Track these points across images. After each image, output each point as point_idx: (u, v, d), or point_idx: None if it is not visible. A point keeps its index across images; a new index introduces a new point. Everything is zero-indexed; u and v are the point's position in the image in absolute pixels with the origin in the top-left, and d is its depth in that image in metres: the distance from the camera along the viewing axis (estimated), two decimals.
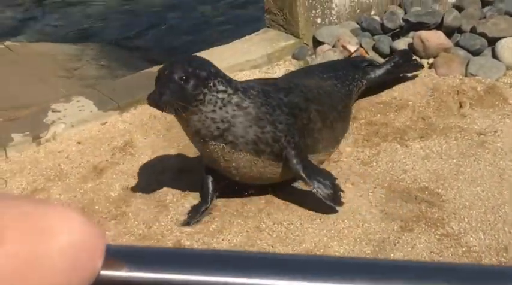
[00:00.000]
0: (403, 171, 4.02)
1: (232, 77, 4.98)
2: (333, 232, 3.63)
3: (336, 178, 3.78)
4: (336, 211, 3.69)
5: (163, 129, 4.61)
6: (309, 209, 3.80)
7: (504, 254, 3.37)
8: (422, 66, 4.82)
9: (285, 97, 3.92)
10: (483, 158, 4.05)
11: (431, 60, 4.93)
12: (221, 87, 3.67)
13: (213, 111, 3.64)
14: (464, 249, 3.43)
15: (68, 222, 0.68)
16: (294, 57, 5.20)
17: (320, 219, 3.72)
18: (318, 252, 3.49)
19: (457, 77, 4.79)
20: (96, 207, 3.95)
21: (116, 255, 0.74)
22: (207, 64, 3.81)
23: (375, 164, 4.11)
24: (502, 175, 3.90)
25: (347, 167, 4.11)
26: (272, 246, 3.56)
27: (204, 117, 3.64)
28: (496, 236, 3.49)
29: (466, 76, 4.80)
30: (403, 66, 4.78)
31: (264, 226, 3.71)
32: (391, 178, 3.97)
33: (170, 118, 4.70)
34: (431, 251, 3.44)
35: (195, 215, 3.85)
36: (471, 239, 3.49)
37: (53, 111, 4.69)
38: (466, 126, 4.34)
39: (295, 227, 3.69)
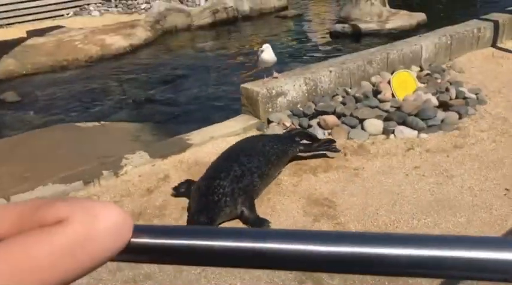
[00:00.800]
0: (315, 189, 4.04)
1: (222, 141, 5.08)
2: (277, 223, 3.61)
3: (266, 221, 3.55)
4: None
5: (186, 168, 4.62)
6: (263, 209, 3.81)
7: None
8: (339, 150, 4.46)
9: (242, 183, 3.62)
10: (357, 182, 4.10)
11: (329, 131, 5.01)
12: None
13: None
14: None
15: (109, 210, 0.63)
16: (257, 129, 5.25)
17: (270, 215, 3.73)
18: None
19: (343, 140, 4.87)
20: (148, 211, 3.93)
21: (139, 230, 0.67)
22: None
23: (299, 185, 4.13)
24: (367, 192, 3.94)
25: (285, 187, 4.12)
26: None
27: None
28: (364, 224, 3.52)
29: (348, 139, 4.88)
30: (326, 147, 4.48)
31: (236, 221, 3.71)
32: (309, 193, 3.99)
33: (191, 162, 4.74)
34: None
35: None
36: (351, 226, 3.51)
37: (125, 158, 4.70)
38: (348, 165, 4.41)
39: None
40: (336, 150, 4.47)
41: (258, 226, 3.42)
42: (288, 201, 3.91)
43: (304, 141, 4.55)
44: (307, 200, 3.89)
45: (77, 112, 7.21)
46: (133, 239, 0.66)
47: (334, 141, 4.56)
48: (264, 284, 2.96)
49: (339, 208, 3.75)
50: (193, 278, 3.08)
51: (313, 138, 4.61)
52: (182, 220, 3.71)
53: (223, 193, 3.48)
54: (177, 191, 3.96)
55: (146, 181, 4.40)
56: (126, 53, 9.86)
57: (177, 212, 3.85)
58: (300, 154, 4.47)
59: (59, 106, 7.57)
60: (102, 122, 6.19)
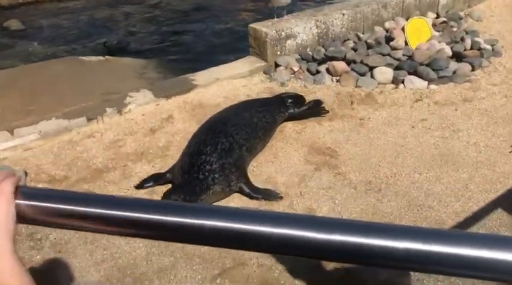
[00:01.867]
0: (318, 138, 4.00)
1: (228, 83, 4.97)
2: (278, 169, 3.62)
3: (271, 190, 3.32)
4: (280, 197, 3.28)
5: (190, 109, 4.56)
6: (265, 156, 3.80)
7: (369, 185, 3.39)
8: (327, 112, 4.25)
9: (231, 158, 3.32)
10: (361, 132, 4.05)
11: (337, 78, 4.89)
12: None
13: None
14: (347, 181, 3.44)
15: None
16: (264, 72, 5.13)
17: (271, 162, 3.72)
18: (269, 181, 3.50)
19: (350, 87, 4.77)
20: (151, 151, 3.93)
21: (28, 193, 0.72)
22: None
23: (303, 133, 4.09)
24: (371, 142, 3.91)
25: (288, 135, 4.07)
26: None
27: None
28: (365, 175, 3.51)
29: (356, 87, 4.77)
30: (314, 110, 4.24)
31: None
32: (311, 141, 3.96)
33: (196, 104, 4.68)
34: (330, 182, 3.44)
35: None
36: (352, 176, 3.51)
37: (129, 96, 4.64)
38: (353, 114, 4.34)
39: (258, 167, 3.67)
40: (325, 112, 4.25)
41: (266, 199, 3.21)
42: (290, 148, 3.88)
43: (292, 105, 4.19)
44: (310, 148, 3.86)
45: (81, 45, 7.06)
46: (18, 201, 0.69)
47: (322, 102, 4.33)
48: None
49: (341, 157, 3.72)
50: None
51: (301, 100, 4.31)
52: None
53: (210, 169, 3.14)
54: (142, 185, 3.45)
55: (150, 121, 4.36)
56: None
57: (179, 154, 3.84)
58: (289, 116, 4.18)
59: (63, 37, 7.39)
60: (106, 57, 6.05)
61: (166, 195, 3.14)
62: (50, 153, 3.95)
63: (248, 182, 3.35)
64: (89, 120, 4.32)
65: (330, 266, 2.70)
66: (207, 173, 3.17)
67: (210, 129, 3.58)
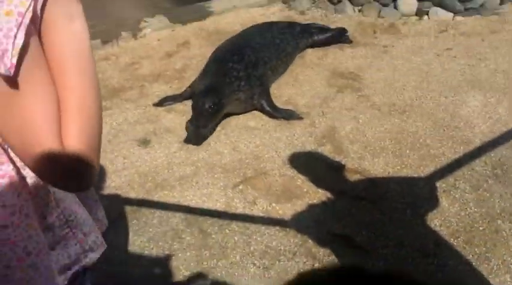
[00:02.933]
0: (340, 63, 3.91)
1: (245, 12, 4.83)
2: (299, 91, 3.55)
3: (292, 110, 3.24)
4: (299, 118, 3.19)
5: (206, 36, 4.45)
6: (286, 79, 3.72)
7: (393, 106, 3.31)
8: (351, 41, 4.14)
9: (257, 71, 3.26)
10: (385, 59, 3.95)
11: (359, 7, 4.72)
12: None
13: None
14: (371, 103, 3.36)
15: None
16: (283, 1, 4.98)
17: (292, 85, 3.65)
18: (290, 102, 3.43)
19: (373, 17, 4.63)
20: (167, 73, 3.86)
21: None
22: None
23: (324, 59, 3.98)
24: (395, 68, 3.80)
25: (309, 60, 3.98)
26: None
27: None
28: (389, 98, 3.42)
29: (378, 17, 4.62)
30: (338, 38, 4.12)
31: None
32: (333, 66, 3.87)
33: (212, 31, 4.56)
34: (353, 103, 3.37)
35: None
36: (376, 99, 3.42)
37: (144, 21, 4.52)
38: (376, 43, 4.22)
39: (278, 89, 3.60)
40: (348, 41, 4.13)
41: (286, 118, 3.16)
42: (311, 72, 3.79)
43: (317, 32, 4.08)
44: (332, 73, 3.77)
45: None
46: None
47: (346, 31, 4.18)
48: (283, 145, 2.96)
49: (364, 81, 3.63)
50: (214, 135, 3.08)
51: (325, 29, 4.16)
52: None
53: (237, 76, 3.12)
54: (162, 104, 3.40)
55: (166, 45, 4.26)
56: None
57: (196, 75, 3.76)
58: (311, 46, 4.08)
59: None
60: None
61: (194, 99, 3.09)
62: None
63: (270, 100, 3.28)
64: (104, 43, 4.22)
65: (353, 177, 2.67)
66: (233, 79, 3.13)
67: (235, 43, 3.53)
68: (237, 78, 3.13)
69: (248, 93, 3.18)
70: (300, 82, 3.68)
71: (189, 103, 3.39)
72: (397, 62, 3.88)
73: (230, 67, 3.17)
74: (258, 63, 3.34)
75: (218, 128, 3.16)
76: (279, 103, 3.42)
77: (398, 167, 2.74)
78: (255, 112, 3.33)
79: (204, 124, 2.97)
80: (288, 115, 3.23)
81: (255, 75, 3.26)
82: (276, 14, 4.78)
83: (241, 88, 3.13)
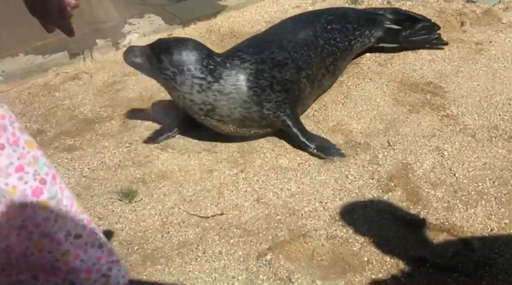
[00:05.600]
0: (413, 70, 3.92)
1: (271, 4, 4.91)
2: (352, 113, 3.56)
3: (327, 140, 3.30)
4: (343, 156, 3.20)
5: (217, 40, 4.54)
6: (332, 96, 3.73)
7: (494, 131, 3.27)
8: (446, 43, 4.12)
9: (279, 73, 3.33)
10: (479, 61, 3.94)
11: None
12: (198, 74, 3.15)
13: (190, 93, 3.18)
14: (461, 126, 3.33)
15: None
16: None
17: (342, 104, 3.66)
18: (339, 129, 3.43)
19: (459, 3, 4.67)
20: (161, 94, 3.89)
21: None
22: (190, 48, 3.20)
23: (389, 65, 4.01)
24: (494, 74, 3.79)
25: (366, 68, 4.00)
26: (303, 122, 3.49)
27: (183, 96, 3.21)
28: (488, 118, 3.39)
29: (467, 2, 4.65)
30: (424, 38, 4.12)
31: None
32: (402, 75, 3.88)
33: (225, 32, 4.65)
34: (434, 128, 3.35)
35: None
36: (467, 119, 3.39)
37: (129, 24, 4.67)
38: (465, 39, 4.22)
39: (322, 110, 3.62)
40: (441, 43, 4.12)
41: (317, 150, 3.22)
42: (370, 85, 3.80)
43: (390, 22, 4.06)
44: (400, 84, 3.77)
45: None
46: None
47: (437, 26, 4.17)
48: (330, 192, 2.92)
49: (449, 95, 3.62)
50: (229, 180, 3.08)
51: (412, 18, 4.14)
52: None
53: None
54: (154, 139, 3.49)
55: None
56: None
57: None
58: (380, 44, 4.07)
59: None
60: None
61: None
62: (18, 101, 4.02)
63: (295, 118, 3.35)
64: (73, 56, 4.36)
65: (437, 238, 2.60)
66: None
67: (256, 38, 3.67)
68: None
69: (260, 102, 3.27)
70: (354, 99, 3.69)
71: (192, 137, 3.43)
72: (498, 65, 3.87)
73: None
74: (286, 64, 3.41)
75: (235, 170, 3.17)
76: (323, 130, 3.44)
77: (507, 222, 2.67)
78: (286, 145, 3.34)
79: None
80: (322, 148, 3.24)
81: (279, 79, 3.34)
82: (316, 3, 4.86)
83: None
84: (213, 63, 3.20)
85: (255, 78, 3.25)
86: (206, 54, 3.22)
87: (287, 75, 3.37)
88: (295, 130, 3.31)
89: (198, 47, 3.25)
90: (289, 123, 3.31)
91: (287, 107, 3.34)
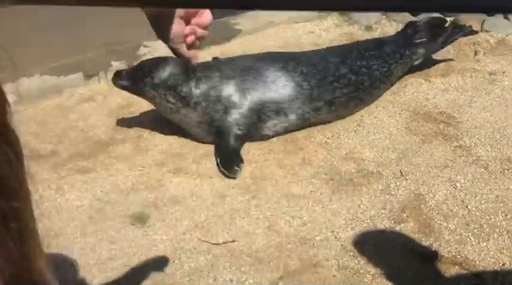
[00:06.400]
0: (426, 99, 3.94)
1: (285, 29, 4.95)
2: (365, 141, 3.58)
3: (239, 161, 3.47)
4: None
5: None
6: (345, 124, 3.75)
7: (507, 163, 3.28)
8: (475, 32, 4.41)
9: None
10: (492, 92, 3.97)
11: (451, 18, 4.77)
12: (171, 99, 3.57)
13: (165, 111, 3.65)
14: (474, 158, 3.34)
15: None
16: (340, 13, 5.07)
17: (355, 132, 3.67)
18: (351, 158, 3.44)
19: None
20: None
21: None
22: (169, 72, 3.60)
23: (402, 94, 4.03)
24: (507, 105, 3.82)
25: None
26: (315, 150, 3.51)
27: (163, 111, 3.68)
28: (501, 149, 3.40)
29: (481, 31, 4.66)
30: (456, 36, 4.27)
31: (305, 134, 3.68)
32: (415, 104, 3.90)
33: None
34: (446, 159, 3.36)
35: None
36: (480, 150, 3.41)
37: (144, 47, 4.71)
38: (479, 68, 4.25)
39: (334, 137, 3.64)
40: (472, 32, 4.29)
41: (223, 167, 3.40)
42: (383, 114, 3.82)
43: (423, 40, 4.11)
44: (413, 113, 3.79)
45: None
46: None
47: (468, 28, 4.29)
48: (342, 221, 2.93)
49: (462, 125, 3.63)
50: (240, 207, 3.09)
51: (439, 25, 4.24)
52: None
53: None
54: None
55: None
56: None
57: None
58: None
59: None
60: None
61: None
62: (33, 121, 4.04)
63: (231, 132, 3.56)
64: (88, 77, 4.40)
65: (449, 271, 2.60)
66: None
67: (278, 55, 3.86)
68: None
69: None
70: (366, 127, 3.71)
71: (205, 162, 3.45)
72: (511, 97, 3.90)
73: None
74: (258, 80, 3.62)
75: (247, 196, 3.18)
76: (335, 158, 3.45)
77: None
78: (298, 172, 3.35)
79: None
80: (226, 165, 3.41)
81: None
82: (330, 30, 4.90)
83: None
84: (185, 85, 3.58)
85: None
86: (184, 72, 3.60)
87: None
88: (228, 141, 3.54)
89: (178, 66, 3.60)
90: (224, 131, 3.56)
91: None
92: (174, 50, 1.42)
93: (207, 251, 2.84)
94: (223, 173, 3.37)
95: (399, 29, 4.78)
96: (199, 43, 1.35)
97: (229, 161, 3.44)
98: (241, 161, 3.45)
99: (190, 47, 1.34)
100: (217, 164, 3.45)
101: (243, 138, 3.58)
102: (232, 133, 3.55)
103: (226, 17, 5.06)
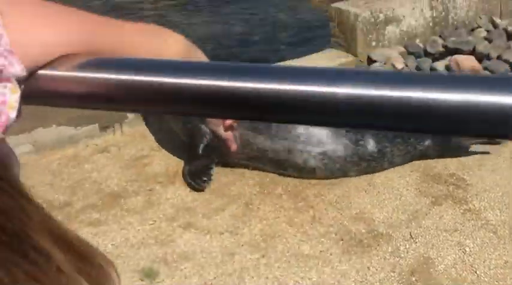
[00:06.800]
0: (436, 161, 3.95)
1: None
2: (375, 201, 3.60)
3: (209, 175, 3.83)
4: None
5: None
6: (356, 183, 3.78)
7: None
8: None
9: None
10: (502, 155, 3.97)
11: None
12: None
13: None
14: (483, 222, 3.35)
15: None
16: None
17: (365, 190, 3.70)
18: (362, 217, 3.47)
19: None
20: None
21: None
22: None
23: None
24: None
25: None
26: (325, 209, 3.53)
27: None
28: (510, 214, 3.41)
29: None
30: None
31: (316, 192, 3.71)
32: (425, 165, 3.92)
33: None
34: (456, 222, 3.37)
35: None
36: (489, 215, 3.42)
37: None
38: None
39: (344, 196, 3.66)
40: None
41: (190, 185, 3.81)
42: (393, 174, 3.84)
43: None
44: (423, 174, 3.82)
45: None
46: None
47: None
48: (351, 283, 2.94)
49: (471, 188, 3.65)
50: (250, 265, 3.11)
51: None
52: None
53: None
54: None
55: None
56: None
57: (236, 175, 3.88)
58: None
59: None
60: None
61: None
62: (47, 171, 4.11)
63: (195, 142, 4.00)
64: (103, 128, 4.47)
65: None
66: None
67: None
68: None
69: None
70: (377, 187, 3.73)
71: (215, 217, 3.48)
72: None
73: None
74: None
75: (256, 255, 3.20)
76: (345, 217, 3.46)
77: None
78: (308, 231, 3.37)
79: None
80: (194, 180, 3.81)
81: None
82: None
83: None
84: None
85: None
86: None
87: None
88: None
89: None
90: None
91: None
92: (213, 132, 1.50)
93: None
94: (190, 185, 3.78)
95: None
96: (236, 124, 1.40)
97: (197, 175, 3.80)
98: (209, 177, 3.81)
99: (228, 128, 1.39)
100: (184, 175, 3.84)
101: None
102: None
103: None
